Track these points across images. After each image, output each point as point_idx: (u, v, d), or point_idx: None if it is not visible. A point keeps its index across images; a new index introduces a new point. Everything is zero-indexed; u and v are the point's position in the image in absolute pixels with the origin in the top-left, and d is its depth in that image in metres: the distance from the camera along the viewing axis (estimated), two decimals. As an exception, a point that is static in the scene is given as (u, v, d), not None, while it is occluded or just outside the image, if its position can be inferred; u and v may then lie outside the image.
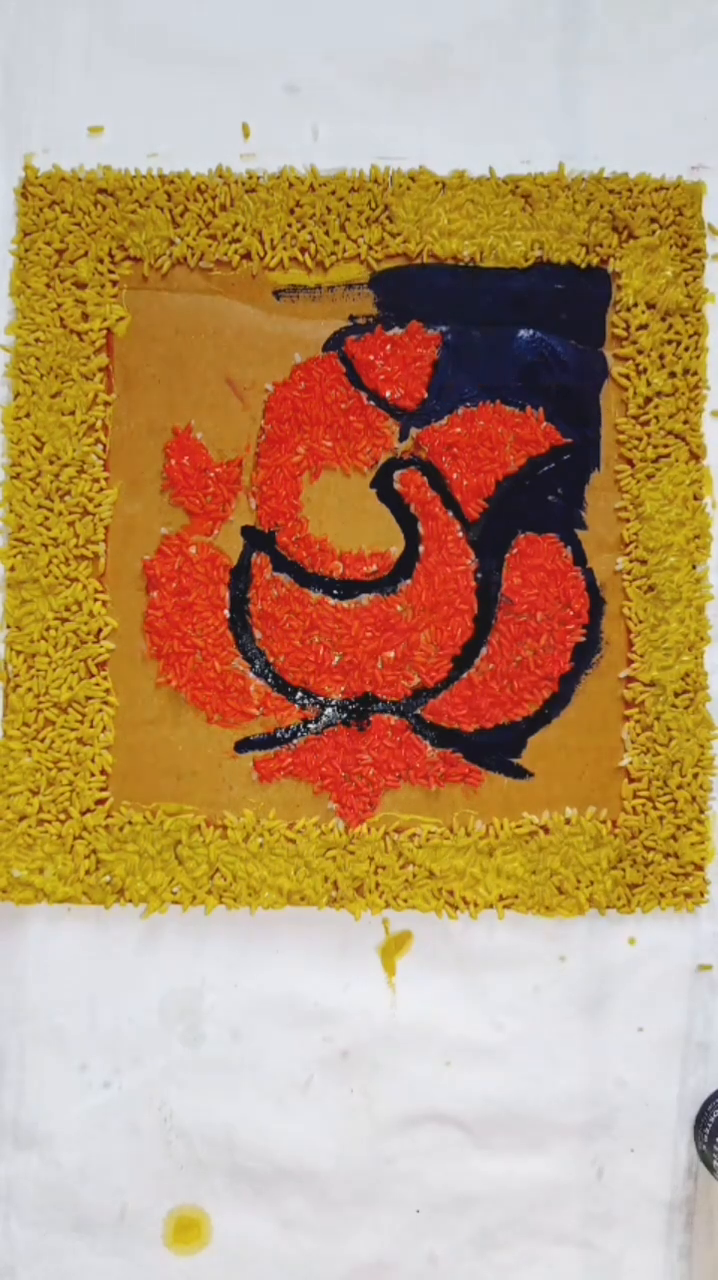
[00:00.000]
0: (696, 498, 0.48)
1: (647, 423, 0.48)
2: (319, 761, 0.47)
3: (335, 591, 0.48)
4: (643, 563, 0.48)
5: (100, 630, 0.47)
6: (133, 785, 0.47)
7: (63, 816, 0.47)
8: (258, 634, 0.48)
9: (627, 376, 0.48)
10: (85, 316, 0.48)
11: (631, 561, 0.48)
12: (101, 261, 0.48)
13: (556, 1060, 0.48)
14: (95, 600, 0.47)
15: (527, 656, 0.48)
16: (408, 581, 0.48)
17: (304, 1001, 0.48)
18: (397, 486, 0.48)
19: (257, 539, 0.48)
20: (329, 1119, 0.47)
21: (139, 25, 0.49)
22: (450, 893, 0.47)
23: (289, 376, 0.48)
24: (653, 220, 0.48)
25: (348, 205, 0.48)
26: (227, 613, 0.48)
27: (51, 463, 0.47)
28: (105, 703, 0.47)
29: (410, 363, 0.48)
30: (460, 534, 0.48)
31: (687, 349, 0.48)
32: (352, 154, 0.48)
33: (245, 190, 0.48)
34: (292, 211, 0.48)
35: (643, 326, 0.48)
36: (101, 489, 0.47)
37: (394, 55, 0.49)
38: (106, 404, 0.48)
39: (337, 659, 0.48)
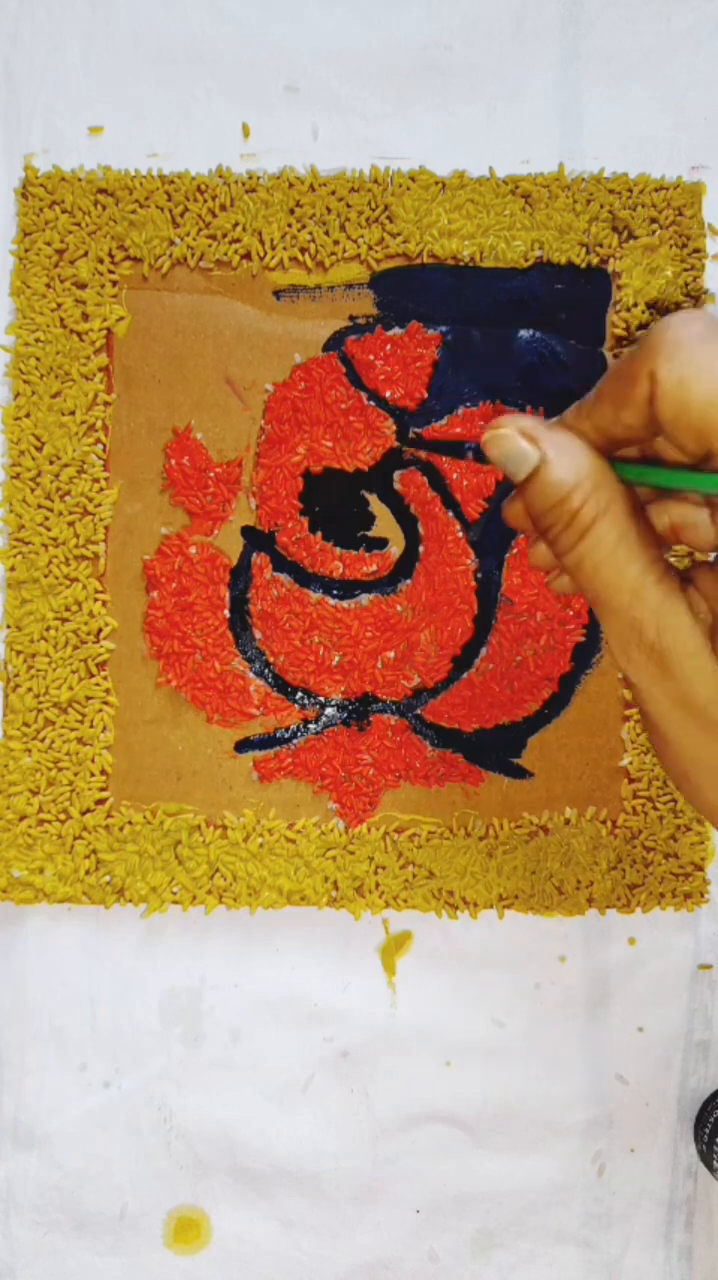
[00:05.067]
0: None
1: (647, 423, 0.48)
2: (319, 761, 0.47)
3: (335, 591, 0.48)
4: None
5: (100, 630, 0.47)
6: (133, 785, 0.47)
7: (63, 816, 0.47)
8: (258, 634, 0.48)
9: (627, 376, 0.48)
10: (85, 316, 0.48)
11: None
12: (101, 261, 0.48)
13: (556, 1060, 0.48)
14: (95, 600, 0.47)
15: (527, 656, 0.48)
16: (408, 581, 0.48)
17: (304, 1001, 0.48)
18: (397, 486, 0.48)
19: (257, 539, 0.48)
20: (329, 1119, 0.47)
21: (139, 25, 0.49)
22: (450, 893, 0.47)
23: (289, 376, 0.48)
24: (653, 220, 0.48)
25: (348, 205, 0.48)
26: (226, 613, 0.48)
27: (51, 463, 0.47)
28: (105, 703, 0.47)
29: (410, 363, 0.48)
30: (460, 534, 0.48)
31: (687, 349, 0.48)
32: (352, 154, 0.48)
33: (245, 190, 0.48)
34: (292, 211, 0.48)
35: (643, 326, 0.48)
36: (101, 489, 0.47)
37: (394, 55, 0.49)
38: (106, 404, 0.48)
39: (337, 659, 0.48)
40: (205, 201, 0.48)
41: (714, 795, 0.26)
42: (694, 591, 0.25)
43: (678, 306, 0.48)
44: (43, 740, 0.47)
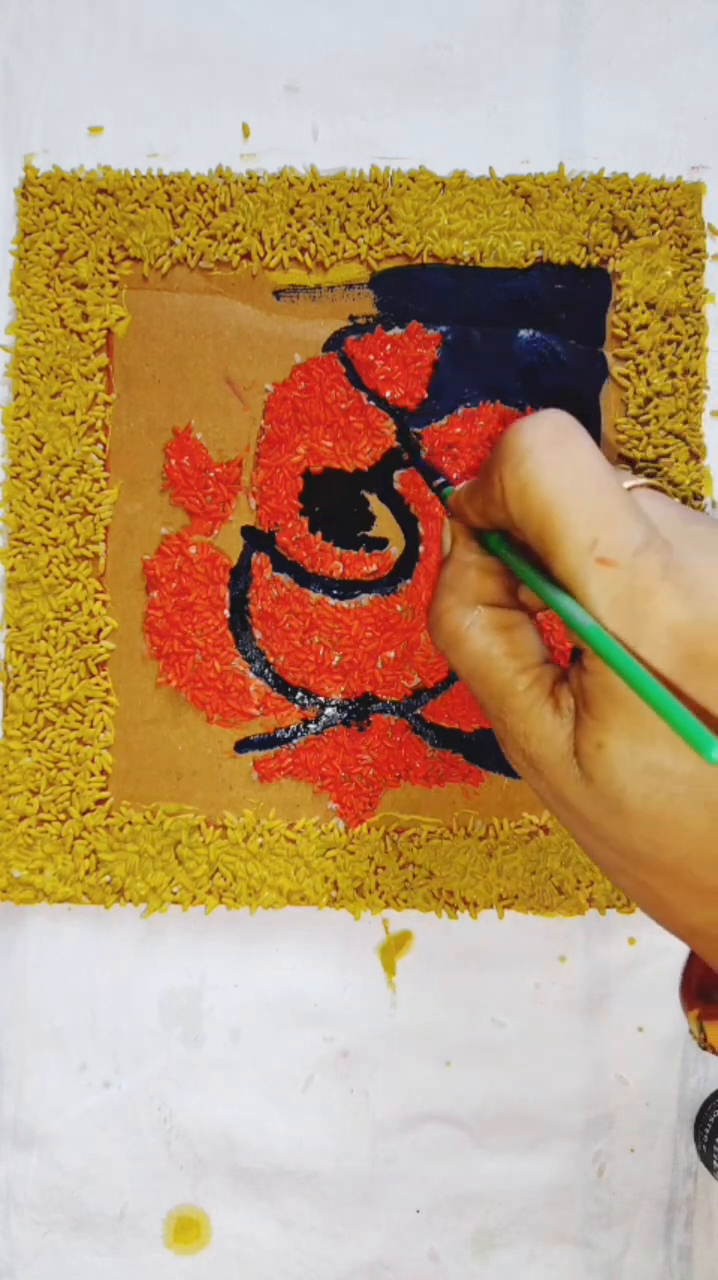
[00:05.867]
0: (696, 497, 0.48)
1: (647, 423, 0.48)
2: (319, 761, 0.47)
3: (335, 591, 0.48)
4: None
5: (100, 630, 0.47)
6: (133, 785, 0.47)
7: (63, 816, 0.47)
8: (258, 634, 0.48)
9: (627, 376, 0.48)
10: (85, 316, 0.48)
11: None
12: (101, 261, 0.48)
13: (556, 1060, 0.48)
14: (95, 600, 0.47)
15: (527, 656, 0.48)
16: (408, 581, 0.48)
17: (304, 1001, 0.48)
18: (397, 486, 0.48)
19: (257, 539, 0.48)
20: (329, 1119, 0.47)
21: (139, 25, 0.49)
22: (450, 893, 0.47)
23: (289, 376, 0.48)
24: (653, 220, 0.48)
25: (348, 205, 0.48)
26: (226, 613, 0.48)
27: (51, 463, 0.47)
28: (105, 703, 0.47)
29: (410, 363, 0.48)
30: (460, 534, 0.48)
31: (687, 349, 0.48)
32: (352, 154, 0.48)
33: (245, 190, 0.48)
34: (292, 211, 0.48)
35: (643, 326, 0.48)
36: (101, 489, 0.47)
37: (394, 55, 0.49)
38: (106, 404, 0.48)
39: (337, 659, 0.48)
40: (205, 201, 0.48)
41: (622, 883, 0.26)
42: (565, 688, 0.25)
43: (679, 307, 0.48)
44: (43, 740, 0.47)
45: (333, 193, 0.48)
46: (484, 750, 0.48)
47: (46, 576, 0.47)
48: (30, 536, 0.47)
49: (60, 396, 0.47)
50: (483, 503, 0.26)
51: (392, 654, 0.48)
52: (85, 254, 0.48)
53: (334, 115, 0.49)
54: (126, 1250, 0.47)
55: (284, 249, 0.48)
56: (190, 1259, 0.47)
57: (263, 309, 0.48)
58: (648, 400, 0.48)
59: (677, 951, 0.48)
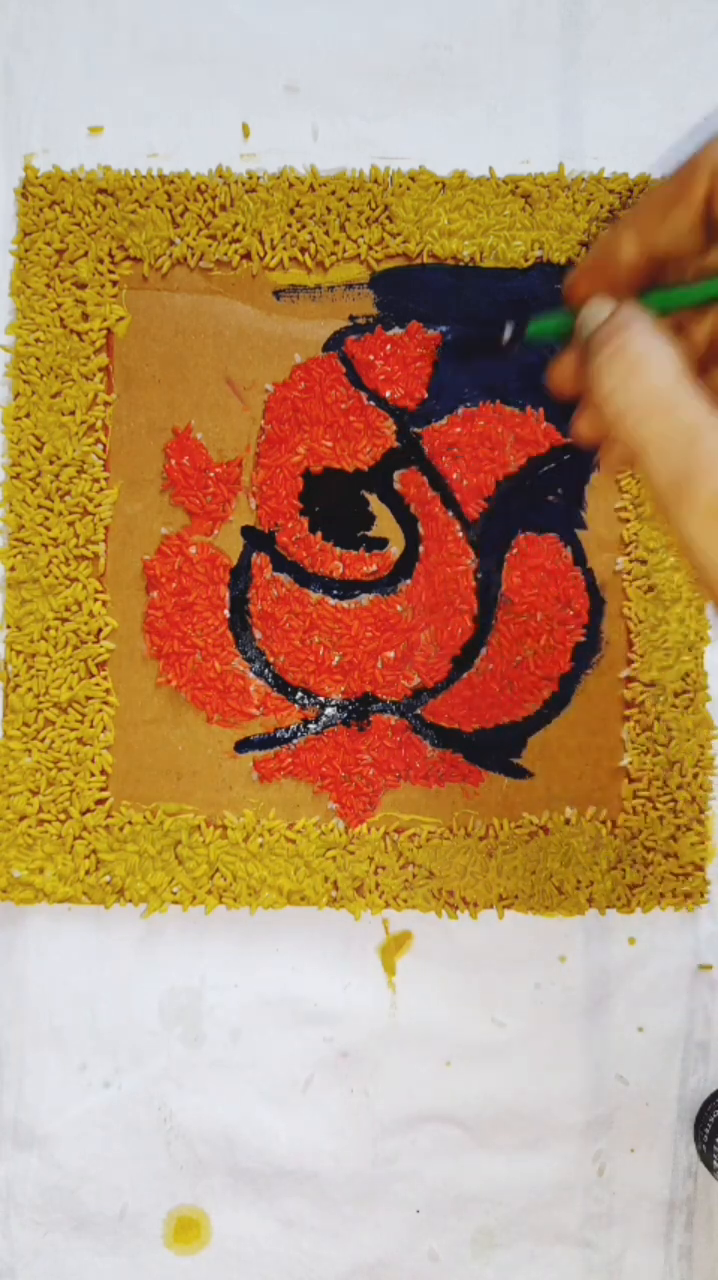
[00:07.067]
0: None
1: (647, 423, 0.48)
2: (319, 761, 0.47)
3: (335, 591, 0.48)
4: (643, 563, 0.48)
5: (100, 630, 0.47)
6: (133, 785, 0.47)
7: (63, 816, 0.47)
8: (258, 634, 0.48)
9: (627, 376, 0.48)
10: (85, 316, 0.48)
11: (631, 561, 0.48)
12: (101, 261, 0.48)
13: (556, 1060, 0.48)
14: (95, 600, 0.47)
15: (527, 656, 0.48)
16: (408, 581, 0.48)
17: (304, 1001, 0.48)
18: (397, 486, 0.48)
19: (257, 539, 0.48)
20: (329, 1119, 0.47)
21: (139, 25, 0.49)
22: (450, 893, 0.47)
23: (289, 376, 0.48)
24: (653, 220, 0.48)
25: (348, 205, 0.48)
26: (226, 613, 0.48)
27: (51, 463, 0.47)
28: (105, 703, 0.47)
29: (410, 363, 0.48)
30: (460, 534, 0.48)
31: (687, 349, 0.48)
32: (352, 154, 0.48)
33: (245, 190, 0.48)
34: (292, 211, 0.48)
35: (643, 326, 0.48)
36: (101, 489, 0.47)
37: (394, 55, 0.49)
38: (106, 404, 0.48)
39: (337, 659, 0.48)
40: (205, 201, 0.48)
41: None
42: None
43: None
44: (43, 740, 0.47)
45: (333, 193, 0.48)
46: (484, 750, 0.48)
47: (46, 576, 0.47)
48: (30, 536, 0.47)
49: (60, 396, 0.47)
50: (662, 212, 0.27)
51: (392, 654, 0.48)
52: (85, 254, 0.48)
53: (334, 115, 0.49)
54: (126, 1250, 0.47)
55: (284, 249, 0.48)
56: (190, 1259, 0.47)
57: (263, 309, 0.48)
58: (648, 400, 0.48)
59: (677, 951, 0.48)
